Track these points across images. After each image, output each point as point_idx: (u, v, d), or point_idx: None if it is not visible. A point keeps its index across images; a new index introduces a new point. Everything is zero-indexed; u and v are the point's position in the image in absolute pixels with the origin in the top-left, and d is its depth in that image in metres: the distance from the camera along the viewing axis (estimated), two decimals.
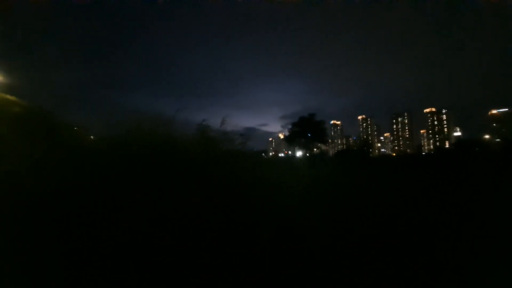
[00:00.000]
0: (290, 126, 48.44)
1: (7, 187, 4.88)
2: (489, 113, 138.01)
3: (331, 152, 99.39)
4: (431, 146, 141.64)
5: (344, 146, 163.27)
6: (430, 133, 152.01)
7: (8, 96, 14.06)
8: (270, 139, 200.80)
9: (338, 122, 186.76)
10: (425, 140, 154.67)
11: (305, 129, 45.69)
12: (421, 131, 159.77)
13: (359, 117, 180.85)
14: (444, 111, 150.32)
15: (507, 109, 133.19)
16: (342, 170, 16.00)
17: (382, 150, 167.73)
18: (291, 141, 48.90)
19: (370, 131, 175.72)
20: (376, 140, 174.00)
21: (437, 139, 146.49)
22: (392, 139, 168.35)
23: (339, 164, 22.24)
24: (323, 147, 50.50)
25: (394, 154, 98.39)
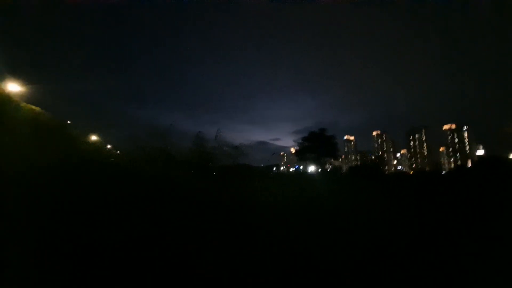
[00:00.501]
0: (300, 141, 48.05)
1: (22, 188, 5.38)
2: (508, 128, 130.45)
3: (344, 168, 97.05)
4: (452, 165, 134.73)
5: (358, 162, 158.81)
6: (451, 151, 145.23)
7: (34, 107, 15.20)
8: (282, 153, 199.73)
9: (352, 138, 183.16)
10: (445, 157, 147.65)
11: (316, 144, 45.37)
12: (440, 149, 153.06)
13: (374, 133, 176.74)
14: (465, 127, 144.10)
15: None
16: (348, 188, 15.69)
17: (398, 167, 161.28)
18: (302, 156, 48.57)
19: (386, 147, 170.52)
20: (392, 157, 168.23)
21: (458, 157, 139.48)
22: (409, 156, 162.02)
23: (347, 182, 21.73)
24: (335, 162, 49.73)
25: (411, 172, 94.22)
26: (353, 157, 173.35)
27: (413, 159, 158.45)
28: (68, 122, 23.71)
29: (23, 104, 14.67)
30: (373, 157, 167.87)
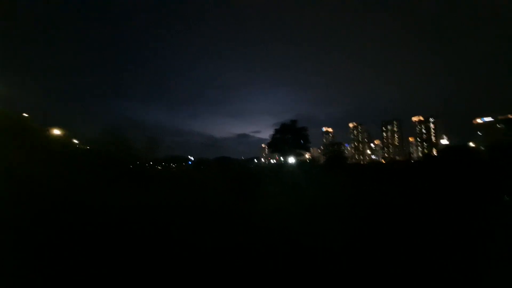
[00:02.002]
0: (272, 133, 47.47)
1: None
2: (474, 121, 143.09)
3: (322, 159, 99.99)
4: (420, 154, 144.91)
5: (335, 153, 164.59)
6: (419, 141, 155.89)
7: None
8: (263, 145, 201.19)
9: (330, 129, 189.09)
10: (414, 147, 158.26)
11: (287, 136, 45.35)
12: (410, 139, 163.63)
13: (350, 125, 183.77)
14: (431, 119, 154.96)
15: (491, 118, 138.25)
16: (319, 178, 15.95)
17: (373, 157, 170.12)
18: (274, 148, 48.47)
19: (361, 138, 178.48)
20: (367, 147, 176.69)
21: (425, 146, 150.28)
22: (382, 146, 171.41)
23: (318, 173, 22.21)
24: (305, 154, 49.88)
25: (383, 161, 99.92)
26: (335, 148, 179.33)
27: (386, 149, 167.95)
28: (28, 117, 21.49)
29: None
30: (348, 148, 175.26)
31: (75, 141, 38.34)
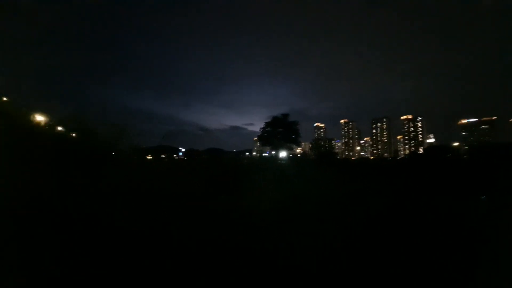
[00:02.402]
0: (263, 126, 46.68)
1: None
2: (459, 122, 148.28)
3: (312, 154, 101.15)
4: (407, 151, 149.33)
5: (327, 148, 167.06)
6: (406, 139, 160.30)
7: None
8: (255, 138, 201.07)
9: (322, 125, 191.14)
10: (402, 145, 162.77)
11: (278, 129, 44.97)
12: (398, 137, 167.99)
13: (342, 121, 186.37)
14: (419, 118, 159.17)
15: (475, 119, 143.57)
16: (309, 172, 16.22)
17: (362, 153, 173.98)
18: (264, 140, 47.70)
19: (352, 135, 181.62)
20: (357, 144, 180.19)
21: (412, 144, 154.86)
22: (372, 143, 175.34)
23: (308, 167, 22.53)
24: (296, 148, 49.71)
25: (371, 158, 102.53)
26: (322, 143, 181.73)
27: (375, 146, 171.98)
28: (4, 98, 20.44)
29: None
30: (339, 144, 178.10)
31: (60, 128, 36.96)
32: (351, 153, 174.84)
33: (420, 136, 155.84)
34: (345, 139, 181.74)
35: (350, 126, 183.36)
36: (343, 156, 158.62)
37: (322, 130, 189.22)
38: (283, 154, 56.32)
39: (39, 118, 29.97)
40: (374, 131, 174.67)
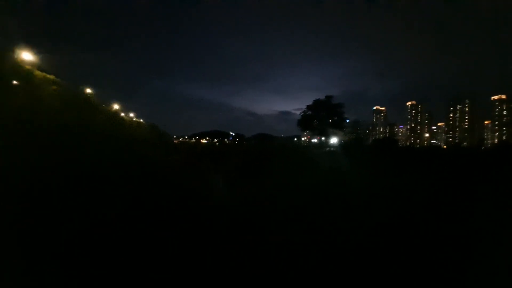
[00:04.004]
0: (304, 109, 43.06)
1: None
2: None
3: (369, 140, 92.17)
4: (495, 140, 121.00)
5: (387, 134, 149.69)
6: (497, 125, 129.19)
7: (48, 75, 15.97)
8: None
9: (382, 108, 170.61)
10: (489, 132, 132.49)
11: (320, 113, 41.19)
12: (485, 122, 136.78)
13: (408, 103, 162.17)
14: None
15: None
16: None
17: (432, 141, 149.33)
18: (304, 126, 44.33)
19: (420, 119, 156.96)
20: (426, 130, 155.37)
21: (505, 132, 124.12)
22: (447, 129, 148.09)
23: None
24: (340, 133, 44.61)
25: (444, 147, 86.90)
26: (381, 129, 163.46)
27: (451, 132, 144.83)
28: (88, 90, 24.92)
29: (37, 72, 15.35)
30: (402, 130, 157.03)
31: (132, 115, 43.15)
32: (417, 140, 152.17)
33: None
34: (411, 124, 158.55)
35: (419, 108, 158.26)
36: (407, 144, 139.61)
37: (382, 114, 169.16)
38: (333, 140, 52.92)
39: (116, 107, 35.40)
40: (451, 114, 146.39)
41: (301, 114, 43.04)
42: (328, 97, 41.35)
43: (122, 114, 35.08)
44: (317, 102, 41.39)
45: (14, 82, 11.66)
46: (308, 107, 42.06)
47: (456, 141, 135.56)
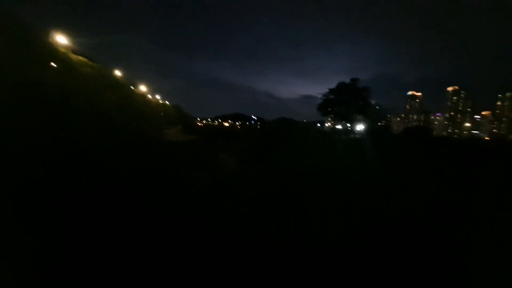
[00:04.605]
0: (326, 92, 39.47)
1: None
2: None
3: (400, 128, 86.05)
4: None
5: (421, 122, 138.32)
6: None
7: (82, 58, 17.05)
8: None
9: (418, 94, 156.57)
10: None
11: (343, 97, 37.87)
12: None
13: (449, 88, 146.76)
14: None
15: None
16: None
17: (474, 132, 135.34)
18: (325, 110, 41.09)
19: (462, 107, 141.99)
20: (467, 119, 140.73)
21: None
22: (493, 119, 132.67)
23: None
24: (364, 119, 40.88)
25: (487, 138, 78.15)
26: (415, 117, 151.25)
27: (498, 123, 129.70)
28: (117, 72, 26.31)
29: (72, 55, 16.47)
30: (439, 118, 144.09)
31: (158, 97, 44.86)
32: (455, 130, 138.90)
33: None
34: (450, 112, 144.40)
35: (461, 95, 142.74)
36: (444, 133, 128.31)
37: (417, 100, 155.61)
38: (359, 127, 50.09)
39: (143, 88, 36.93)
40: (499, 102, 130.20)
41: (323, 98, 40.11)
42: (354, 80, 38.09)
43: (149, 96, 36.60)
44: (341, 85, 38.31)
45: (52, 64, 12.70)
46: (331, 90, 39.11)
47: (503, 132, 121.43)
